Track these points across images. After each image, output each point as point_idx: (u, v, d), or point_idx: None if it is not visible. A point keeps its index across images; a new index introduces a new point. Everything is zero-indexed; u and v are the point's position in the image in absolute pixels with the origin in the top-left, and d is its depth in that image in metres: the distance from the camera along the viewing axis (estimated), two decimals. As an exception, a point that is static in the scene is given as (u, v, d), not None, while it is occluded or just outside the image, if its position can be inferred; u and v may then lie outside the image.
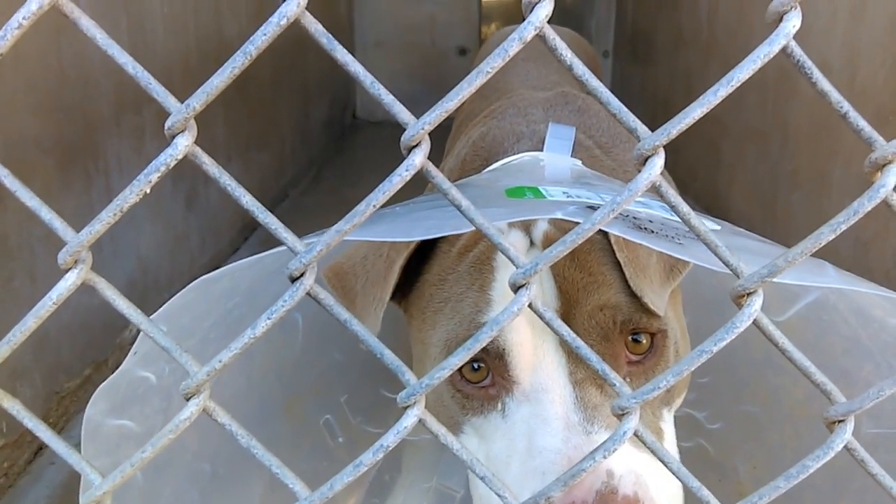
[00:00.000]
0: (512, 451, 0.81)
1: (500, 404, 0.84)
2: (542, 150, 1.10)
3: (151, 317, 0.86)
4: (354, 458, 0.53)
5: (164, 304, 0.85)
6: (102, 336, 2.06)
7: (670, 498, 0.80)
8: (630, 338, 0.84)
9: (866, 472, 0.53)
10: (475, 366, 0.85)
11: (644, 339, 0.85)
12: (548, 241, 0.89)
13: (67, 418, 1.93)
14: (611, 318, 0.83)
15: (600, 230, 0.87)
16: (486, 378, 0.85)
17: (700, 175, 3.62)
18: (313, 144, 4.49)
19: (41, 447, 1.84)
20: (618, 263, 0.84)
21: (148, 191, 0.48)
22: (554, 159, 1.06)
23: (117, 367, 0.90)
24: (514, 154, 1.13)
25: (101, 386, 0.87)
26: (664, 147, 0.47)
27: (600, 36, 5.94)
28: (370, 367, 1.14)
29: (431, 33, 5.85)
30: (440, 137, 0.96)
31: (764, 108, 2.95)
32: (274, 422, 1.18)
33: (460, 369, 0.85)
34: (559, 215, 0.77)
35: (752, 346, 1.11)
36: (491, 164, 1.15)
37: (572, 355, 0.82)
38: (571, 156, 1.08)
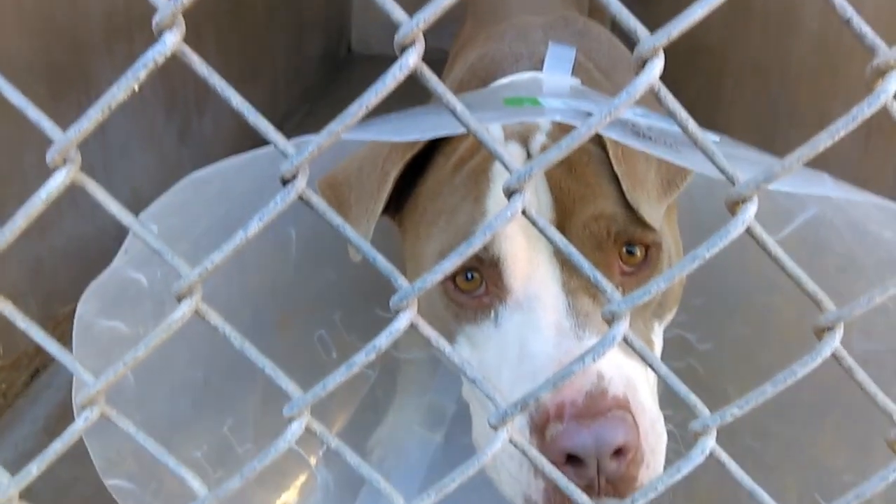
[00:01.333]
0: (504, 358, 0.82)
1: (492, 313, 0.85)
2: (541, 71, 1.09)
3: (142, 213, 0.86)
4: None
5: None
6: (97, 263, 2.05)
7: (657, 409, 0.82)
8: (624, 249, 0.85)
9: (853, 381, 0.54)
10: (469, 275, 0.85)
11: (638, 251, 0.85)
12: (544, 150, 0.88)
13: (63, 343, 1.94)
14: (605, 227, 0.83)
15: (600, 143, 0.87)
16: (480, 287, 0.85)
17: (699, 112, 3.56)
18: (307, 78, 4.42)
19: (38, 369, 1.86)
20: (615, 176, 0.84)
21: (136, 88, 0.47)
22: (553, 78, 1.05)
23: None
24: (512, 75, 1.12)
25: (91, 283, 0.87)
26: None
27: None
28: (364, 286, 1.14)
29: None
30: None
31: (766, 41, 2.91)
32: (268, 336, 1.19)
33: (454, 279, 0.86)
34: (558, 118, 0.76)
35: (748, 266, 1.12)
36: (489, 85, 1.14)
37: (566, 265, 0.83)
38: (571, 76, 1.07)
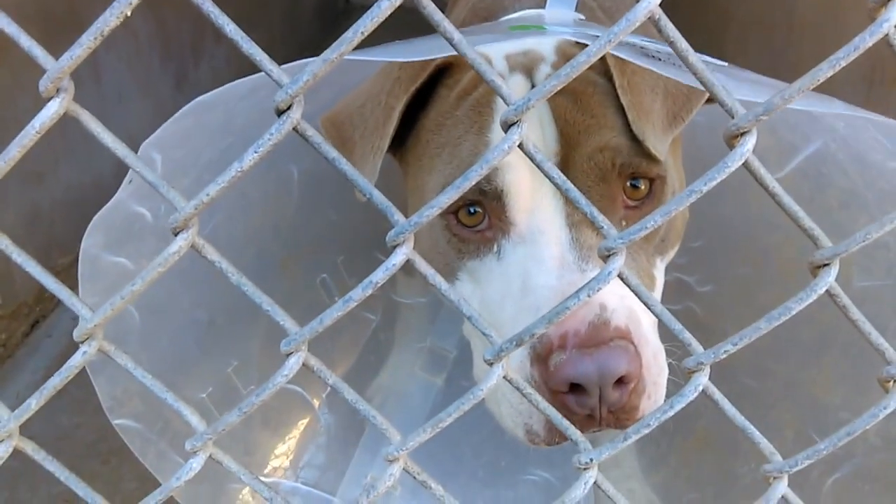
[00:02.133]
0: (507, 291, 0.82)
1: (495, 246, 0.85)
2: (544, 8, 1.08)
3: (145, 142, 0.86)
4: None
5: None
6: (95, 212, 2.05)
7: (659, 342, 0.82)
8: (628, 183, 0.84)
9: (848, 319, 0.54)
10: (471, 209, 0.85)
11: (642, 185, 0.85)
12: None
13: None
14: (610, 159, 0.82)
15: (606, 75, 0.86)
16: (483, 222, 0.85)
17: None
18: (304, 31, 4.35)
19: (38, 320, 1.87)
20: (621, 108, 0.83)
21: (129, 13, 0.47)
22: (557, 13, 1.03)
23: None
24: (514, 13, 1.11)
25: (95, 216, 0.86)
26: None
27: None
28: (367, 229, 1.14)
29: None
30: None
31: (770, -6, 2.86)
32: (271, 277, 1.20)
33: (456, 214, 0.86)
34: (567, 35, 0.75)
35: (748, 205, 1.12)
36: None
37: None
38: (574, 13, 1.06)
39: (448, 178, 0.86)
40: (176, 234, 0.51)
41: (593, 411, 0.76)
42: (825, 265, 0.51)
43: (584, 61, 0.46)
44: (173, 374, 1.03)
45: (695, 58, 0.47)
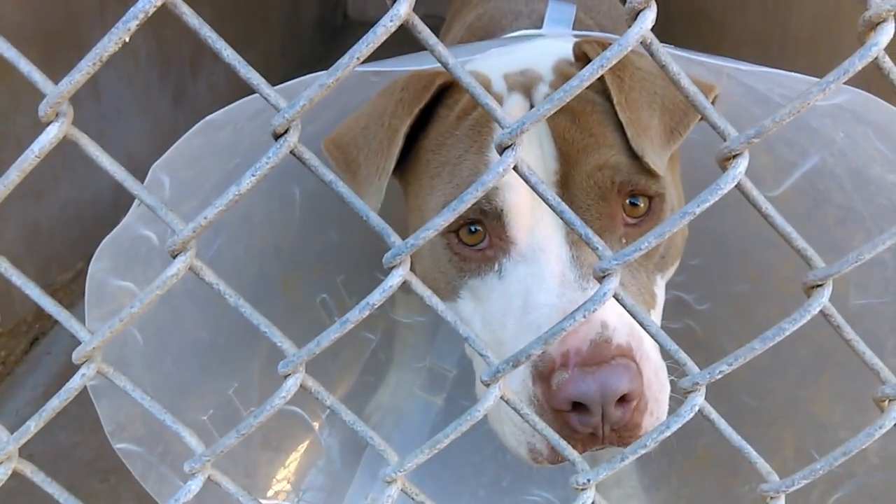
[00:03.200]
0: (508, 309, 0.82)
1: (496, 265, 0.86)
2: (541, 28, 1.08)
3: (155, 164, 0.86)
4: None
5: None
6: (94, 229, 2.05)
7: (660, 358, 0.82)
8: (627, 201, 0.85)
9: (842, 339, 0.55)
10: (472, 228, 0.86)
11: (641, 203, 0.86)
12: None
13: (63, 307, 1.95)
14: (609, 177, 0.83)
15: (604, 93, 0.87)
16: (483, 240, 0.86)
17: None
18: (303, 45, 4.38)
19: (37, 337, 1.87)
20: (619, 126, 0.84)
21: (127, 39, 0.47)
22: (554, 31, 1.04)
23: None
24: (512, 32, 1.11)
25: (104, 240, 0.87)
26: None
27: None
28: (366, 249, 1.15)
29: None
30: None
31: (764, 10, 2.88)
32: (272, 297, 1.20)
33: (457, 233, 0.87)
34: (569, 35, 0.76)
35: (745, 222, 1.12)
36: None
37: None
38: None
39: (448, 198, 0.87)
40: (174, 257, 0.51)
41: (596, 429, 0.76)
42: (819, 286, 0.51)
43: (576, 85, 0.47)
44: (176, 397, 1.03)
45: (686, 81, 0.48)
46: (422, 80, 0.89)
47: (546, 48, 0.98)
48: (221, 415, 1.11)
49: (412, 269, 0.96)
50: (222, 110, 0.87)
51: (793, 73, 0.87)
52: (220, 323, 1.07)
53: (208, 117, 0.85)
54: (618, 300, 0.53)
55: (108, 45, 0.46)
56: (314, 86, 0.47)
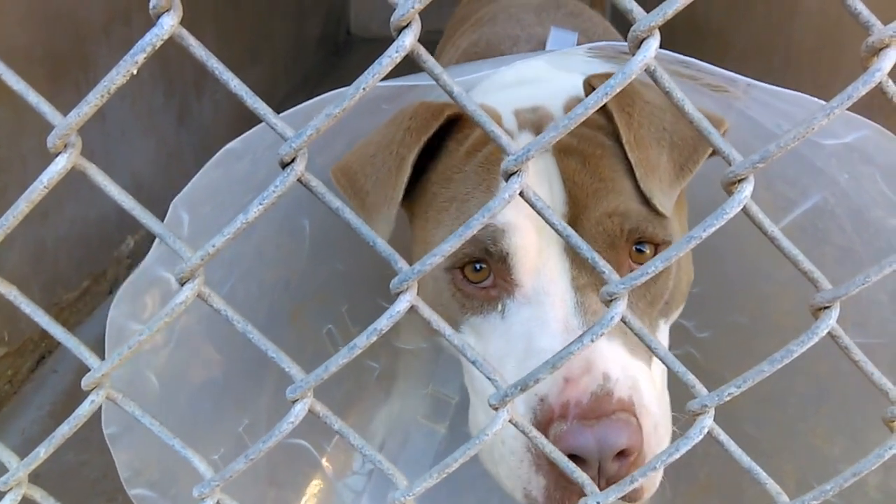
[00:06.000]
0: (509, 351, 0.82)
1: (500, 305, 0.85)
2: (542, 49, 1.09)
3: (175, 199, 0.86)
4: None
5: (161, 217, 0.86)
6: (100, 249, 2.07)
7: (662, 408, 0.82)
8: (634, 248, 0.85)
9: (850, 360, 0.54)
10: (477, 266, 0.85)
11: (647, 250, 0.85)
12: (560, 148, 0.87)
13: (67, 329, 1.96)
14: (619, 225, 0.83)
15: (615, 135, 0.87)
16: (488, 279, 0.86)
17: (700, 93, 3.57)
18: (307, 61, 4.41)
19: (44, 355, 1.87)
20: (629, 170, 0.84)
21: (135, 72, 0.47)
22: (561, 49, 1.05)
23: (115, 280, 0.91)
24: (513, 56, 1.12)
25: (124, 285, 0.87)
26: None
27: (617, 24, 5.75)
28: (369, 278, 1.15)
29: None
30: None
31: (768, 22, 2.89)
32: (281, 329, 1.20)
33: (462, 269, 0.86)
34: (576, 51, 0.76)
35: (745, 254, 1.12)
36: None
37: (576, 261, 0.83)
38: None
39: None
40: (182, 285, 0.51)
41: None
42: (826, 307, 0.51)
43: (581, 112, 0.47)
44: (189, 437, 1.04)
45: (691, 107, 0.48)
46: (430, 110, 0.90)
47: (558, 85, 0.98)
48: (232, 453, 1.11)
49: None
50: (240, 139, 0.87)
51: (799, 93, 0.87)
52: (232, 360, 1.07)
53: (227, 146, 0.86)
54: (625, 323, 0.53)
55: (116, 77, 0.47)
56: (321, 115, 0.48)
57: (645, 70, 0.46)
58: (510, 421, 0.55)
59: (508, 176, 0.50)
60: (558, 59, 1.05)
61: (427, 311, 0.52)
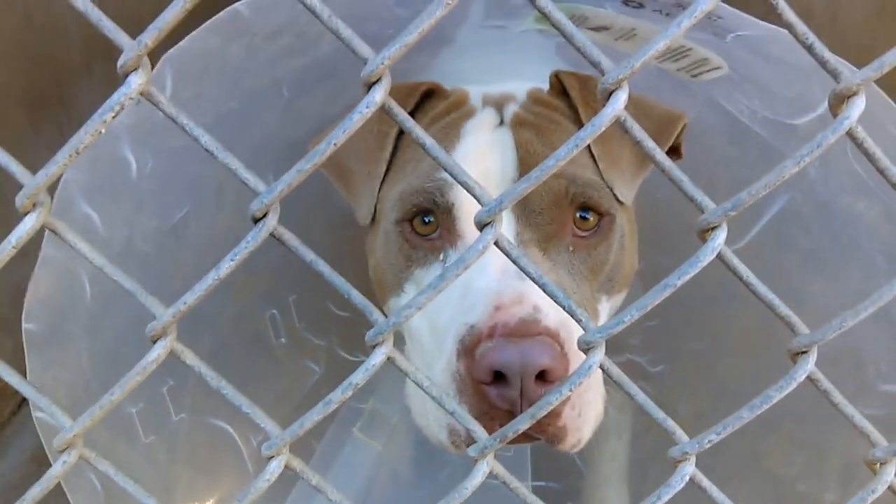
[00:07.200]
0: (448, 297, 0.82)
1: (442, 256, 0.88)
2: None
3: (168, 53, 0.83)
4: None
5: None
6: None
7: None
8: (578, 214, 0.88)
9: (830, 403, 0.54)
10: (426, 219, 0.89)
11: (591, 217, 0.88)
12: (517, 121, 0.93)
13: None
14: (564, 186, 0.86)
15: (577, 121, 0.92)
16: (436, 231, 0.89)
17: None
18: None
19: (25, 399, 1.84)
20: (585, 148, 0.87)
21: (103, 131, 0.47)
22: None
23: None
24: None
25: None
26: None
27: None
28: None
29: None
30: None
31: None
32: (223, 297, 1.15)
33: (411, 222, 0.89)
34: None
35: (704, 277, 1.11)
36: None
37: (522, 217, 0.86)
38: None
39: (406, 186, 0.89)
40: (154, 342, 0.51)
41: (514, 405, 0.74)
42: (803, 352, 0.51)
43: (551, 165, 0.47)
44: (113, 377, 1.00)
45: (661, 156, 0.48)
46: (406, 88, 0.95)
47: (526, 76, 1.04)
48: (151, 409, 1.07)
49: (369, 259, 0.94)
50: (251, 0, 0.85)
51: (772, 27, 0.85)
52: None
53: (235, 6, 0.83)
54: (604, 370, 0.52)
55: (84, 137, 0.47)
56: (291, 172, 0.48)
57: (616, 120, 0.47)
58: (491, 472, 0.54)
59: (482, 226, 0.50)
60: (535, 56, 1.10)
61: (404, 364, 0.52)
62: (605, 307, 0.92)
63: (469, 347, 0.77)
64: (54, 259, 0.87)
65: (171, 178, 0.98)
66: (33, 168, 0.49)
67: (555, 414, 0.77)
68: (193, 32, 0.84)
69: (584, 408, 0.79)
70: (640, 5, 0.80)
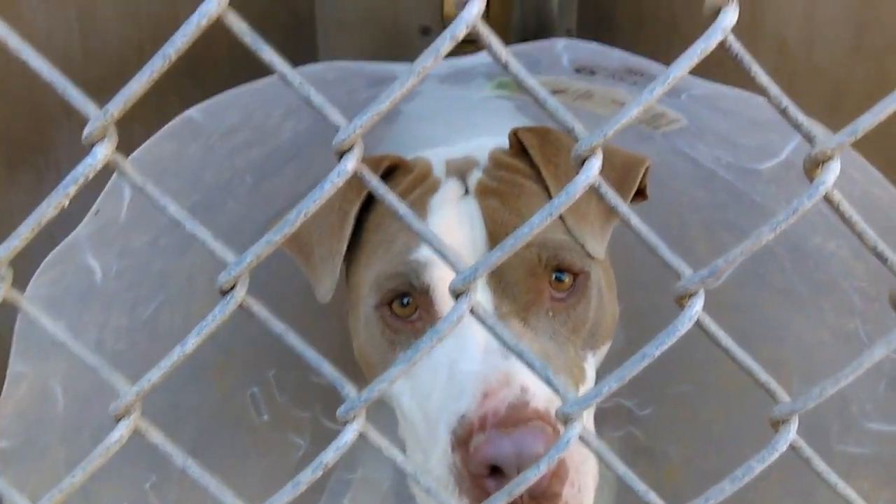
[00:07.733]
0: (435, 381, 0.82)
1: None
2: None
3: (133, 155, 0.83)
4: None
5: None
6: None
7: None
8: (553, 276, 0.87)
9: (813, 471, 0.53)
10: (404, 301, 0.88)
11: (566, 278, 0.88)
12: (481, 190, 0.93)
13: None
14: (536, 254, 0.86)
15: (541, 181, 0.92)
16: (415, 313, 0.88)
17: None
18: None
19: None
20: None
21: (66, 204, 0.46)
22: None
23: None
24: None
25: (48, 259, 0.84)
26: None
27: (564, 14, 5.91)
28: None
29: (394, 11, 5.77)
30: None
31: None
32: (204, 383, 1.14)
33: (390, 305, 0.89)
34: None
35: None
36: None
37: (498, 291, 0.85)
38: None
39: (380, 271, 0.89)
40: (118, 421, 0.49)
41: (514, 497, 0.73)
42: (785, 421, 0.50)
43: (526, 233, 0.46)
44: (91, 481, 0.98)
45: (636, 221, 0.48)
46: (370, 163, 0.94)
47: (487, 139, 1.04)
48: None
49: (353, 340, 0.92)
50: (203, 106, 0.85)
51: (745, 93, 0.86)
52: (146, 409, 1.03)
53: (188, 112, 0.84)
54: (583, 440, 0.51)
55: (47, 210, 0.45)
56: (261, 242, 0.47)
57: (590, 187, 0.46)
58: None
59: (457, 295, 0.49)
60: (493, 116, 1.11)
61: (378, 439, 0.50)
62: (592, 362, 0.91)
63: (462, 439, 0.76)
64: (24, 375, 0.85)
65: (139, 276, 0.97)
66: (9, 214, 0.47)
67: (554, 495, 0.75)
68: (147, 141, 0.85)
69: (580, 479, 0.78)
70: (592, 72, 0.81)
